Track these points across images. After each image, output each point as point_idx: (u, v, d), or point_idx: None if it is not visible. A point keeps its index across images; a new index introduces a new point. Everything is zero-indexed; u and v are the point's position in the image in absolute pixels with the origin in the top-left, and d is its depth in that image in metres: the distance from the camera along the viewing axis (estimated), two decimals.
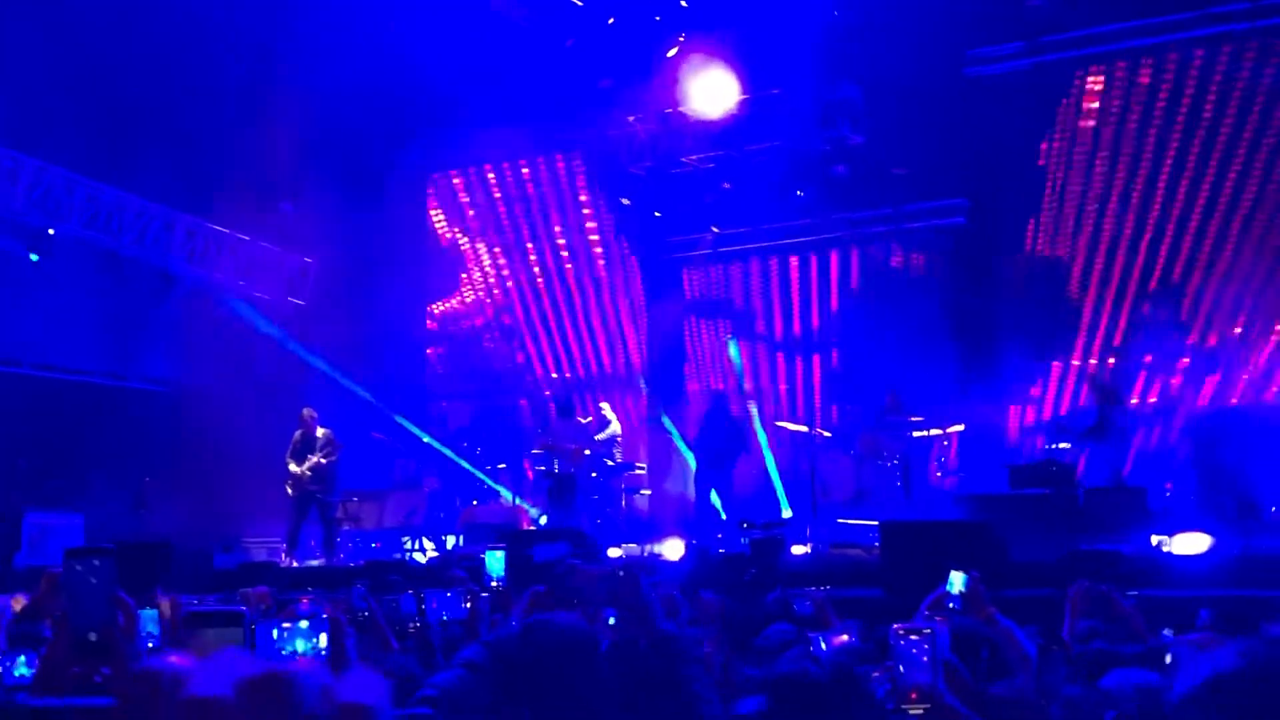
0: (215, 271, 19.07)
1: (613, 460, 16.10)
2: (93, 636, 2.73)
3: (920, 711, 3.46)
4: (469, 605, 5.60)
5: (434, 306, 21.57)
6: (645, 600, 3.36)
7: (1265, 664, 1.92)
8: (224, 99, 17.80)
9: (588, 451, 15.96)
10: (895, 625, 3.65)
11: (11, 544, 14.76)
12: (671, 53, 17.89)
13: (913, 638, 3.56)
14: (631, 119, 18.67)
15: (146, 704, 0.59)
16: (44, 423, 16.50)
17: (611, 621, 3.56)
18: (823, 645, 4.97)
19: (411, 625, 5.35)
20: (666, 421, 18.06)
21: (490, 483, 17.83)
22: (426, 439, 18.60)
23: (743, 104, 17.70)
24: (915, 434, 15.67)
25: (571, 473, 15.48)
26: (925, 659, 3.53)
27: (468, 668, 3.37)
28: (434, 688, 3.24)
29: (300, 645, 3.48)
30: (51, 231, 16.51)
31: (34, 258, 16.22)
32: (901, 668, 3.53)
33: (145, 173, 17.31)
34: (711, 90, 17.64)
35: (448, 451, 18.41)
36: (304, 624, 4.06)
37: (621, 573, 3.35)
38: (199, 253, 18.81)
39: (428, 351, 21.48)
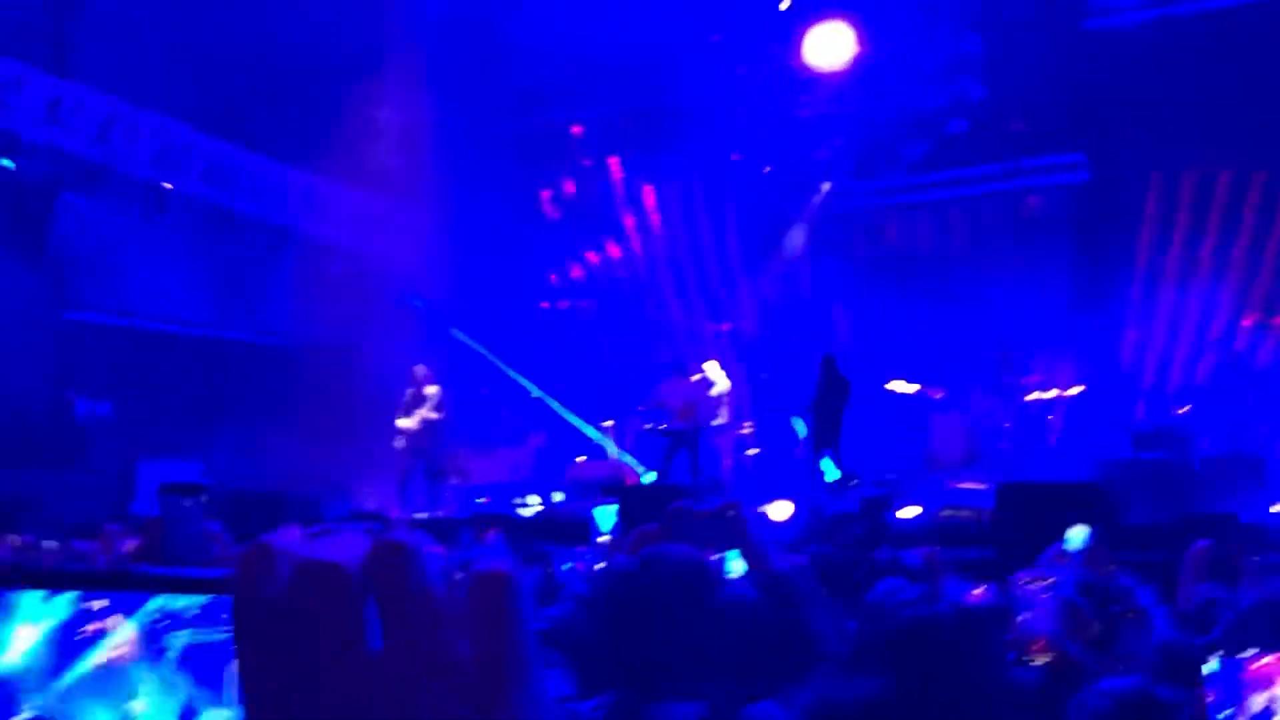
0: (330, 227, 19.26)
1: (719, 419, 15.99)
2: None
3: (1043, 662, 3.34)
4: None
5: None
6: (756, 539, 3.27)
7: None
8: (340, 55, 17.93)
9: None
10: (1019, 574, 3.53)
11: (128, 493, 15.10)
12: (785, 4, 17.64)
13: (1036, 586, 3.44)
14: (743, 71, 18.45)
15: (261, 573, 0.56)
16: (159, 375, 16.82)
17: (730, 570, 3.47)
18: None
19: None
20: None
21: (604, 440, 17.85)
22: (535, 394, 18.67)
23: (859, 58, 17.42)
24: (1030, 396, 15.37)
25: (689, 429, 15.38)
26: (1048, 608, 3.41)
27: (578, 601, 3.33)
28: (545, 620, 3.21)
29: None
30: (169, 186, 16.76)
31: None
32: (1023, 617, 3.40)
33: (260, 129, 17.53)
34: (828, 43, 17.39)
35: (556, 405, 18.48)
36: None
37: (730, 512, 3.26)
38: (314, 208, 19.01)
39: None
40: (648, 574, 2.72)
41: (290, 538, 0.63)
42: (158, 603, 0.82)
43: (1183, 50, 15.99)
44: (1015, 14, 16.09)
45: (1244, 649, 1.75)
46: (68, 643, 0.86)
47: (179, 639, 0.81)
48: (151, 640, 0.82)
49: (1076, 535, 4.64)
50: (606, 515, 5.60)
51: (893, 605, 2.53)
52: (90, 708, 0.84)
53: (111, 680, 0.83)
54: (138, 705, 0.83)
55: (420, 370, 15.63)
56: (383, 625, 0.60)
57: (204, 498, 3.04)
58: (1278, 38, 15.31)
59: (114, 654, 0.84)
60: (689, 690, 2.61)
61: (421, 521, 14.05)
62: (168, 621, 0.81)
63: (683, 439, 15.28)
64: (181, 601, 0.82)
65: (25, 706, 0.87)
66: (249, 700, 0.61)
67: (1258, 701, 1.73)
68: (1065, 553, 4.64)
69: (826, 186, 18.73)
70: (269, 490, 12.97)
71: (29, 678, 0.86)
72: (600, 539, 5.56)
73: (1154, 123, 16.30)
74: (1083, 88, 16.44)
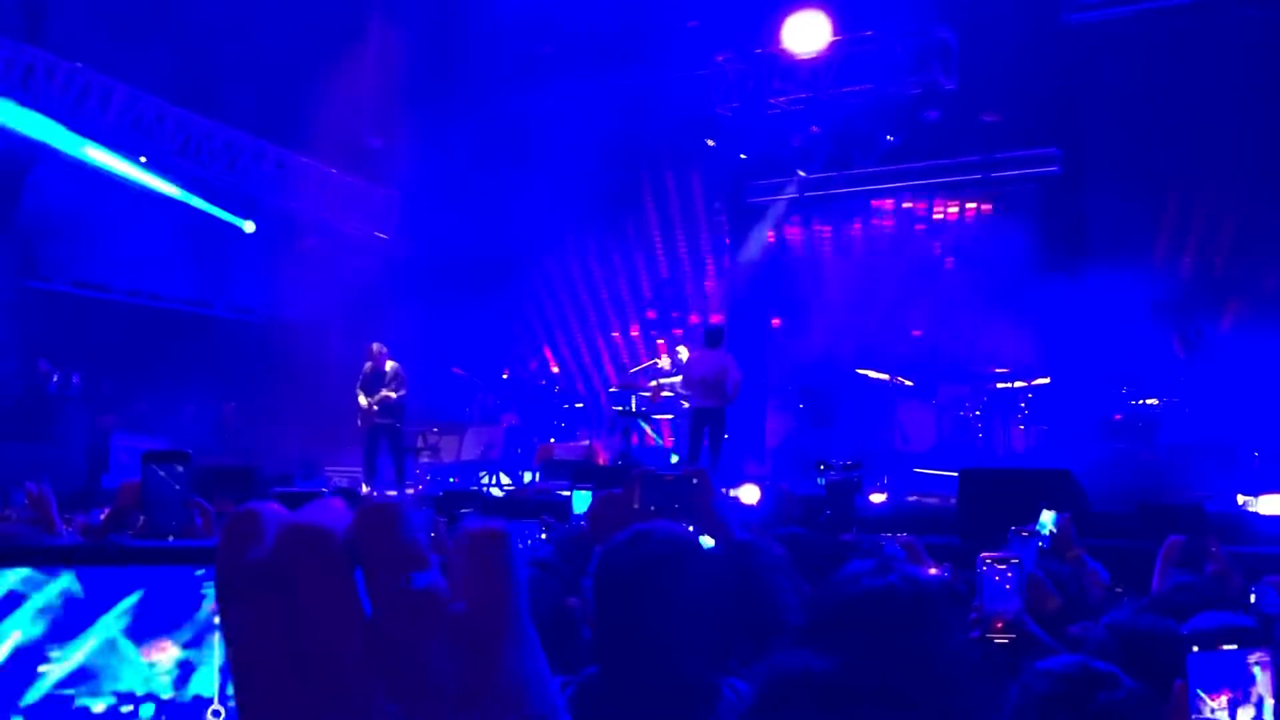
0: (302, 203, 19.21)
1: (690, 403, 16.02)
2: (169, 539, 2.72)
3: (1005, 640, 3.39)
4: (544, 535, 5.83)
5: None
6: (719, 507, 3.29)
7: None
8: (317, 31, 17.87)
9: (666, 393, 15.90)
10: (983, 554, 3.57)
11: (100, 465, 15.06)
12: None
13: (999, 566, 3.48)
14: (720, 58, 18.47)
15: (247, 537, 0.58)
16: (133, 348, 16.77)
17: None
18: None
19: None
20: None
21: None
22: (506, 375, 18.69)
23: (834, 45, 17.47)
24: (999, 385, 15.48)
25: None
26: (1010, 588, 3.45)
27: (538, 566, 3.36)
28: None
29: None
30: (143, 159, 16.68)
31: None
32: (986, 596, 3.45)
33: (235, 103, 17.47)
34: (803, 31, 17.44)
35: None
36: None
37: (695, 479, 3.28)
38: (287, 184, 18.95)
39: None
40: (634, 551, 2.73)
41: (274, 506, 0.63)
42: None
43: (1160, 45, 16.08)
44: (993, 6, 16.17)
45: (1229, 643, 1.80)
46: (76, 610, 0.86)
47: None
48: (194, 589, 0.84)
49: (1046, 519, 4.72)
50: (582, 500, 5.64)
51: (846, 578, 2.55)
52: (114, 667, 0.85)
53: (155, 628, 0.85)
54: (190, 653, 0.85)
55: (377, 347, 15.44)
56: (373, 588, 0.60)
57: (183, 467, 3.03)
58: (1254, 33, 15.42)
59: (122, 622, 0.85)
60: (670, 667, 2.63)
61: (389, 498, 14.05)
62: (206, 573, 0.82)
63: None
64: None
65: (45, 673, 0.87)
66: (237, 667, 0.60)
67: (1227, 695, 1.79)
68: (1034, 533, 4.72)
69: (801, 174, 18.77)
70: (240, 466, 12.96)
71: (46, 646, 0.87)
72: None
73: (1128, 117, 16.40)
74: (1058, 81, 16.53)
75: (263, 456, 14.36)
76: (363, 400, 15.28)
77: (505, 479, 16.79)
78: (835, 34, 17.42)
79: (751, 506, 11.75)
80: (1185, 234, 16.13)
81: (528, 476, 16.59)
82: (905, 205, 18.57)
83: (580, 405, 18.24)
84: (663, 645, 2.63)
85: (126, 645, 0.86)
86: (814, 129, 18.32)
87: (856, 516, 10.37)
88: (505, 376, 18.68)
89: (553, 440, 17.44)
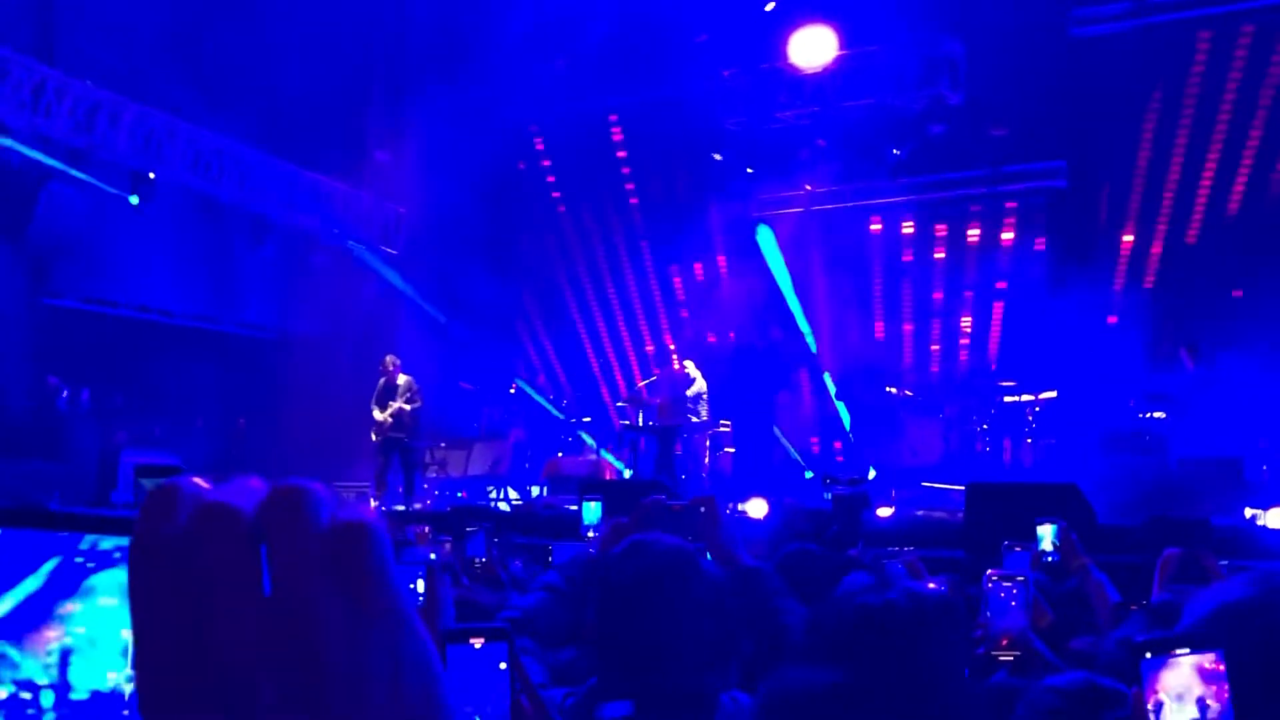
0: (311, 218, 19.25)
1: (697, 417, 16.03)
2: None
3: (1010, 658, 3.41)
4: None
5: None
6: (726, 535, 3.31)
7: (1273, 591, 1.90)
8: (324, 47, 17.94)
9: None
10: (990, 571, 3.60)
11: (109, 482, 15.09)
12: (770, 6, 17.73)
13: (1005, 584, 3.51)
14: (726, 73, 18.52)
15: (162, 513, 0.60)
16: (142, 364, 16.83)
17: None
18: None
19: (478, 562, 5.66)
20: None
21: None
22: (514, 389, 18.72)
23: (841, 59, 17.51)
24: (1006, 399, 15.47)
25: (669, 426, 15.29)
26: (1016, 604, 3.48)
27: (548, 590, 3.40)
28: (516, 609, 3.27)
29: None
30: (152, 175, 16.74)
31: (134, 200, 16.34)
32: (992, 613, 3.47)
33: (244, 118, 17.51)
34: (810, 44, 17.49)
35: (544, 402, 18.51)
36: None
37: (703, 508, 3.30)
38: (296, 199, 18.99)
39: None
40: (632, 562, 2.76)
41: (193, 482, 0.63)
42: (84, 544, 0.81)
43: (1166, 58, 16.10)
44: (999, 20, 16.21)
45: (1182, 648, 1.85)
46: None
47: (105, 578, 0.81)
48: (79, 578, 0.81)
49: (1045, 534, 4.74)
50: (591, 511, 5.66)
51: (845, 595, 2.56)
52: (28, 641, 0.82)
53: (43, 617, 0.82)
54: (76, 640, 0.82)
55: (390, 360, 15.50)
56: (274, 569, 0.60)
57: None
58: (1259, 46, 15.46)
59: (42, 590, 0.82)
60: (671, 679, 2.64)
61: (399, 514, 14.08)
62: (94, 563, 0.80)
63: (662, 436, 15.19)
64: (107, 543, 0.81)
65: None
66: (139, 639, 0.61)
67: (1183, 697, 1.83)
68: (1027, 547, 4.74)
69: (808, 187, 18.79)
70: None
71: None
72: (588, 535, 5.62)
73: (1135, 130, 16.43)
74: (1065, 94, 16.55)
75: (273, 472, 14.21)
76: (377, 414, 15.31)
77: (513, 493, 16.81)
78: (842, 48, 17.47)
79: (759, 521, 11.76)
80: (1192, 246, 16.13)
81: (535, 491, 16.61)
82: (911, 218, 18.57)
83: (588, 420, 18.24)
84: (661, 655, 2.65)
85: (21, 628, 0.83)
86: (821, 142, 18.35)
87: (864, 531, 10.35)
88: (513, 391, 18.70)
89: (560, 454, 17.46)
